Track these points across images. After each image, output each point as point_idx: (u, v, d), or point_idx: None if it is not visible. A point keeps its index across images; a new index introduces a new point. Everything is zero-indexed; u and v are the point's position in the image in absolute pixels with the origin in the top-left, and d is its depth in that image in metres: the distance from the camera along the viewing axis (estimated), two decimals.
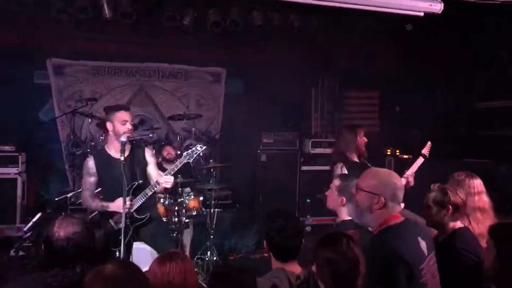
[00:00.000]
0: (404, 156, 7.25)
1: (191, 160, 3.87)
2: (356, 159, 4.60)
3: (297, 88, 7.86)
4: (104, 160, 3.87)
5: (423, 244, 2.28)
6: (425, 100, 7.50)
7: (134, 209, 3.80)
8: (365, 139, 4.70)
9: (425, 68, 7.21)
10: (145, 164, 3.97)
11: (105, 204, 3.83)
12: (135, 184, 3.81)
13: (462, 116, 7.26)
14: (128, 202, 3.68)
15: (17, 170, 6.15)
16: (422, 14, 3.68)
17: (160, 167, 5.79)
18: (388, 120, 8.24)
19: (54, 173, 7.11)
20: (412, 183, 4.33)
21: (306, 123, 8.43)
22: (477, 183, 3.20)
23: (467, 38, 6.35)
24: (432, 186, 2.85)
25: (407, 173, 4.38)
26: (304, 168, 7.27)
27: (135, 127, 6.65)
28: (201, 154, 4.27)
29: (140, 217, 3.88)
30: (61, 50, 7.10)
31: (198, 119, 7.16)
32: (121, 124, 3.79)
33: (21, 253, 5.39)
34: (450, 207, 2.72)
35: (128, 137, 3.85)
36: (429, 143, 4.63)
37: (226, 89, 8.18)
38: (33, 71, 7.19)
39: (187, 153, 3.87)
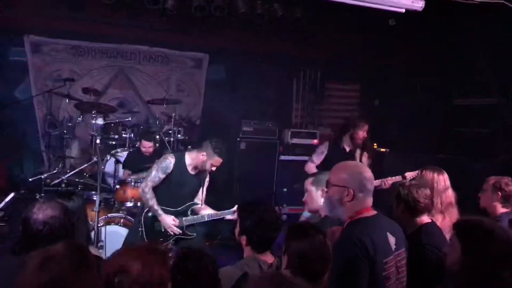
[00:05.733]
0: (382, 149, 7.34)
1: None
2: None
3: (279, 77, 7.88)
4: (180, 168, 4.03)
5: (391, 240, 2.31)
6: (405, 94, 7.60)
7: (179, 228, 4.06)
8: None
9: (406, 63, 7.30)
10: (202, 185, 4.22)
11: (157, 207, 4.00)
12: (195, 204, 4.15)
13: (440, 112, 7.38)
14: (176, 222, 4.02)
15: None
16: (403, 10, 3.71)
17: (137, 157, 5.75)
18: (367, 113, 8.33)
19: (29, 153, 6.98)
20: (385, 187, 4.50)
21: (287, 113, 8.45)
22: (446, 178, 3.28)
23: (447, 36, 6.44)
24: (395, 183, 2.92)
25: (385, 179, 4.57)
26: (283, 157, 7.31)
27: (113, 109, 6.59)
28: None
29: (189, 233, 4.11)
30: (40, 28, 6.92)
31: (178, 104, 7.10)
32: (211, 165, 3.96)
33: None
34: (402, 203, 2.78)
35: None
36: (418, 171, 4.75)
37: (208, 75, 8.12)
38: (10, 47, 7.00)
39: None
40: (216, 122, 7.42)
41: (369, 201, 2.36)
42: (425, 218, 2.80)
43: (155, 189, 4.02)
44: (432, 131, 7.28)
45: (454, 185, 3.34)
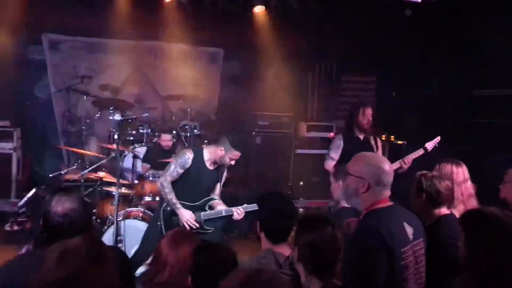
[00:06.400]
0: (399, 142, 7.28)
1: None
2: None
3: (294, 70, 7.85)
4: (198, 163, 4.06)
5: (408, 230, 2.29)
6: (422, 86, 7.50)
7: (197, 225, 4.07)
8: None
9: (422, 54, 7.19)
10: (220, 180, 4.27)
11: (176, 201, 4.03)
12: (213, 199, 4.18)
13: (457, 103, 7.26)
14: (194, 217, 4.03)
15: (12, 145, 6.16)
16: (419, 0, 3.67)
17: (156, 151, 5.82)
18: (384, 105, 8.25)
19: (49, 149, 7.11)
20: (404, 169, 4.42)
21: (302, 106, 8.43)
22: (465, 169, 3.24)
23: (463, 25, 6.32)
24: (416, 173, 2.88)
25: (404, 158, 4.49)
26: (299, 151, 7.30)
27: (130, 105, 6.66)
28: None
29: (206, 228, 4.13)
30: (57, 25, 7.03)
31: (194, 99, 7.14)
32: (230, 159, 4.01)
33: (16, 227, 5.44)
34: (424, 194, 2.76)
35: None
36: (437, 138, 4.64)
37: (223, 69, 8.14)
38: (28, 45, 7.12)
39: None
40: (231, 116, 7.44)
41: (386, 193, 2.35)
42: (444, 210, 2.79)
43: (173, 183, 4.06)
44: (448, 122, 7.17)
45: (471, 177, 3.30)
